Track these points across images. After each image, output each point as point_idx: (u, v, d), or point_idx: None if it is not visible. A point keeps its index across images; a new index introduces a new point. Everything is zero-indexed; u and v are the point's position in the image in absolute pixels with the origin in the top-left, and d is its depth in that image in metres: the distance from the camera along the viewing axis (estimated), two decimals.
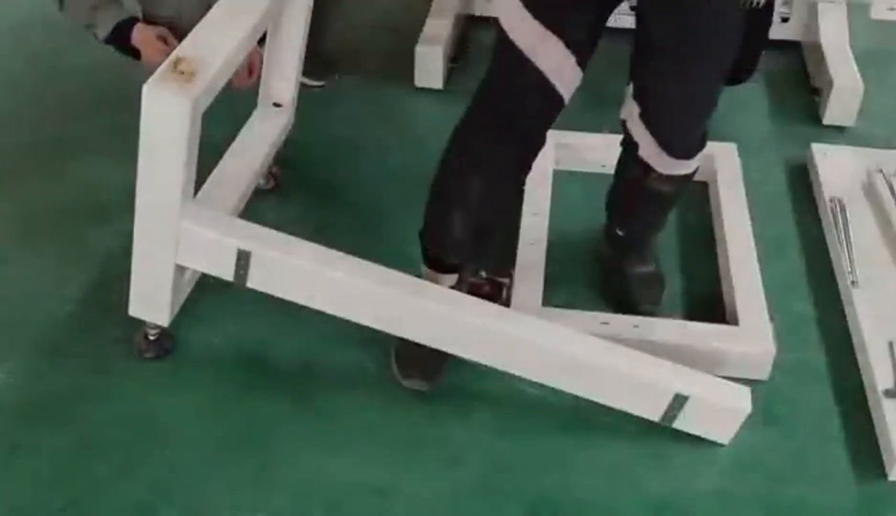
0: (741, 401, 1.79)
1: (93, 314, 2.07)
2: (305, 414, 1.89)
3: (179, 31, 2.25)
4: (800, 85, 2.87)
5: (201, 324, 2.03)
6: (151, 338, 1.96)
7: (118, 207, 2.31)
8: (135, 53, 2.34)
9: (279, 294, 1.84)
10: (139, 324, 1.94)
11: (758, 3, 2.53)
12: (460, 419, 1.89)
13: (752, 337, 1.95)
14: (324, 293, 1.82)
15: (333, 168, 2.52)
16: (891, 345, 2.00)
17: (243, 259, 1.79)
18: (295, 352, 2.01)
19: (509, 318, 1.84)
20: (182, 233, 1.77)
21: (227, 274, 1.82)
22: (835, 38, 2.82)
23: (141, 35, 2.31)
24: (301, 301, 1.84)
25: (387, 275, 1.81)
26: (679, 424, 1.82)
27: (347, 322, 1.85)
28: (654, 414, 1.82)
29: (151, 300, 1.88)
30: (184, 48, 1.72)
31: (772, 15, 2.63)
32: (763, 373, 1.94)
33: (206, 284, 1.99)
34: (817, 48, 2.84)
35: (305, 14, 2.21)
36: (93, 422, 1.85)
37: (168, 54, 1.73)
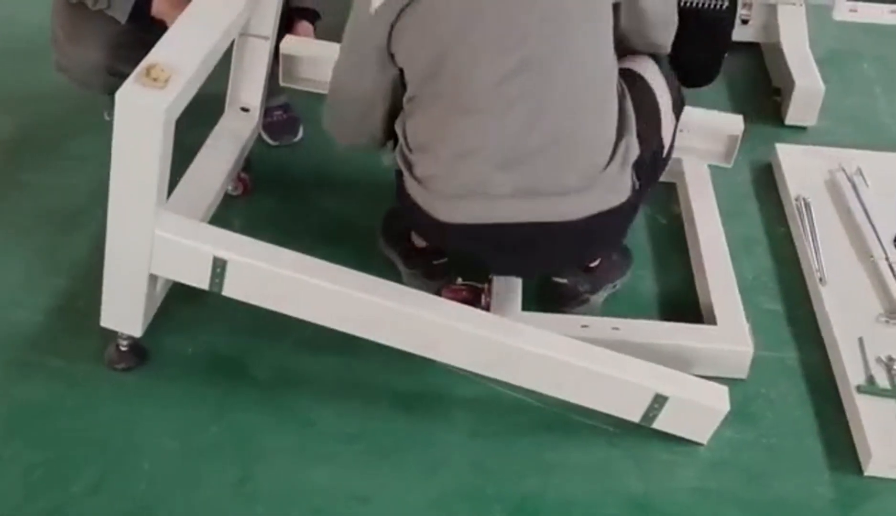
0: (720, 401, 1.81)
1: (63, 324, 2.02)
2: (284, 422, 1.87)
3: None
4: (760, 86, 2.91)
5: (173, 333, 2.00)
6: (123, 349, 1.93)
7: (86, 215, 2.31)
8: (158, 25, 2.26)
9: (255, 301, 1.82)
10: (111, 334, 1.90)
11: (721, 5, 2.58)
12: (441, 423, 1.88)
13: (730, 336, 1.97)
14: (301, 300, 1.80)
15: (303, 172, 2.49)
16: (860, 340, 2.03)
17: (219, 267, 1.77)
18: (271, 359, 1.98)
19: (489, 323, 1.83)
20: (156, 241, 1.74)
21: (203, 282, 1.80)
22: (794, 40, 2.86)
23: (165, 7, 2.25)
24: (278, 308, 1.82)
25: (365, 281, 1.80)
26: (659, 424, 1.83)
27: (324, 328, 1.83)
28: (635, 415, 1.83)
29: (124, 310, 1.85)
30: (156, 54, 1.69)
31: (734, 19, 2.68)
32: (741, 371, 1.96)
33: (176, 292, 1.96)
34: (777, 49, 2.88)
35: (274, 17, 2.19)
36: (66, 436, 1.81)
37: None
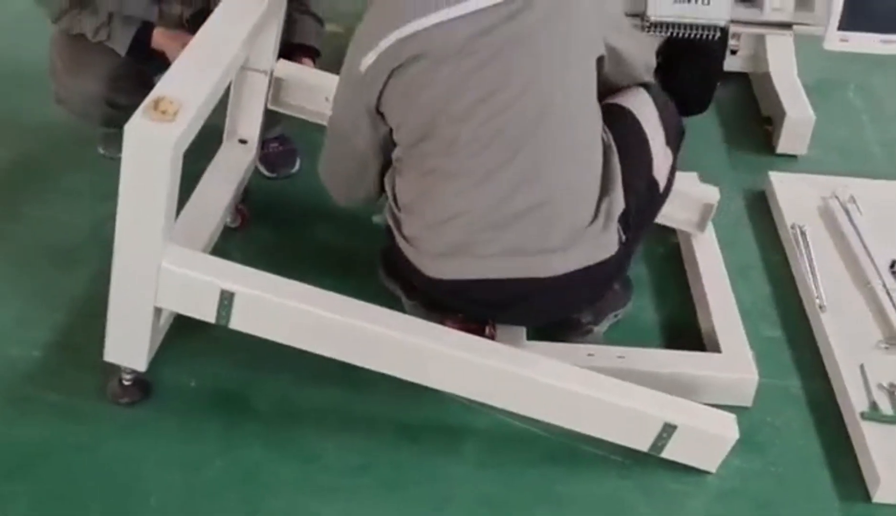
0: (728, 430, 1.81)
1: (62, 360, 2.00)
2: (289, 456, 1.84)
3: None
4: (751, 115, 2.94)
5: (176, 367, 1.98)
6: (126, 383, 1.90)
7: (83, 250, 2.29)
8: (158, 57, 2.28)
9: (263, 334, 1.80)
10: (112, 368, 1.88)
11: (713, 36, 2.62)
12: (447, 455, 1.87)
13: (735, 364, 1.98)
14: (310, 332, 1.79)
15: (300, 204, 2.48)
16: (862, 367, 2.05)
17: (226, 299, 1.75)
18: (275, 392, 1.96)
19: (496, 352, 1.83)
20: (162, 274, 1.72)
21: (209, 315, 1.78)
22: (783, 70, 2.90)
23: (166, 39, 2.27)
24: (286, 341, 1.80)
25: (373, 312, 1.79)
26: (667, 454, 1.83)
27: (327, 360, 1.82)
28: (643, 444, 1.83)
29: (128, 344, 1.83)
30: (163, 87, 1.68)
31: (725, 49, 2.72)
32: (746, 399, 1.97)
33: (176, 325, 1.94)
34: (766, 79, 2.91)
35: (273, 52, 2.20)
36: (69, 472, 1.78)
37: None
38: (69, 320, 2.09)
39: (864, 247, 2.37)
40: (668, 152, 2.03)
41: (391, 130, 1.87)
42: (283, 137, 2.58)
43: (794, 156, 2.77)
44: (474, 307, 1.93)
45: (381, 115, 1.85)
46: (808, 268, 2.30)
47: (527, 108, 1.77)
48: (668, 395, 1.83)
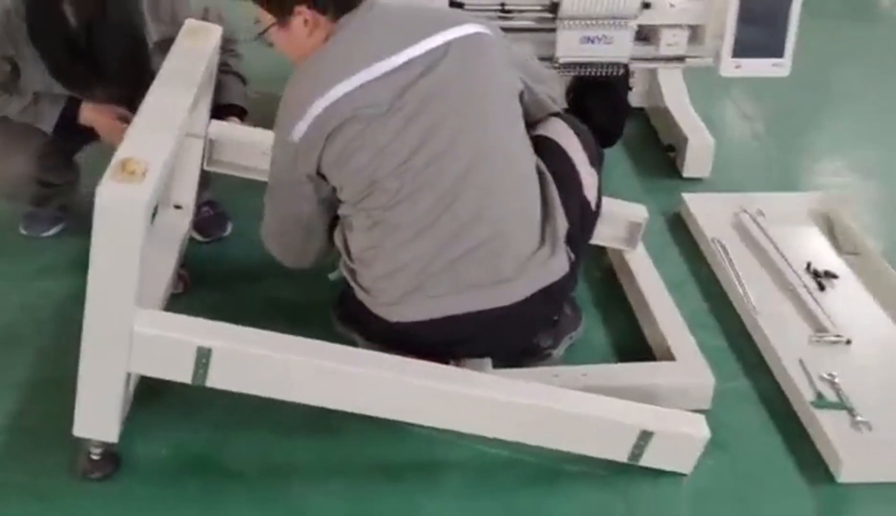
0: (699, 429, 1.90)
1: (22, 442, 1.92)
2: (275, 513, 1.82)
3: None
4: (653, 144, 3.11)
5: (143, 435, 1.92)
6: (95, 458, 1.84)
7: (18, 329, 2.21)
8: (86, 133, 2.26)
9: (241, 388, 1.79)
10: (77, 444, 1.81)
11: (617, 73, 2.78)
12: (433, 491, 1.88)
13: (692, 369, 2.08)
14: (291, 381, 1.78)
15: (239, 263, 2.47)
16: (801, 361, 2.18)
17: (203, 357, 1.73)
18: (250, 449, 1.94)
19: (475, 380, 1.87)
20: (135, 338, 1.69)
21: (185, 375, 1.75)
22: (678, 100, 3.09)
23: (94, 115, 2.25)
24: (265, 393, 1.79)
25: (355, 354, 1.81)
26: (645, 461, 1.89)
27: (298, 410, 1.83)
28: (622, 454, 1.89)
29: (99, 415, 1.78)
30: (125, 150, 1.67)
31: (627, 84, 2.89)
32: (705, 402, 2.06)
33: (139, 392, 1.90)
34: (664, 111, 3.10)
35: (207, 115, 2.21)
36: None
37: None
38: (20, 402, 2.02)
39: (780, 254, 2.54)
40: (593, 171, 2.13)
41: (334, 189, 1.90)
42: (213, 202, 2.57)
43: (699, 179, 2.94)
44: (437, 346, 1.96)
45: (323, 176, 1.88)
46: (736, 278, 2.45)
47: (459, 155, 1.84)
48: (638, 404, 1.91)
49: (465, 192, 1.84)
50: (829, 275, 2.48)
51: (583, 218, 2.03)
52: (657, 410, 1.91)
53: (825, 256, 2.57)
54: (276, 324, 1.88)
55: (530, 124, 2.07)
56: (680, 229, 2.71)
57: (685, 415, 1.93)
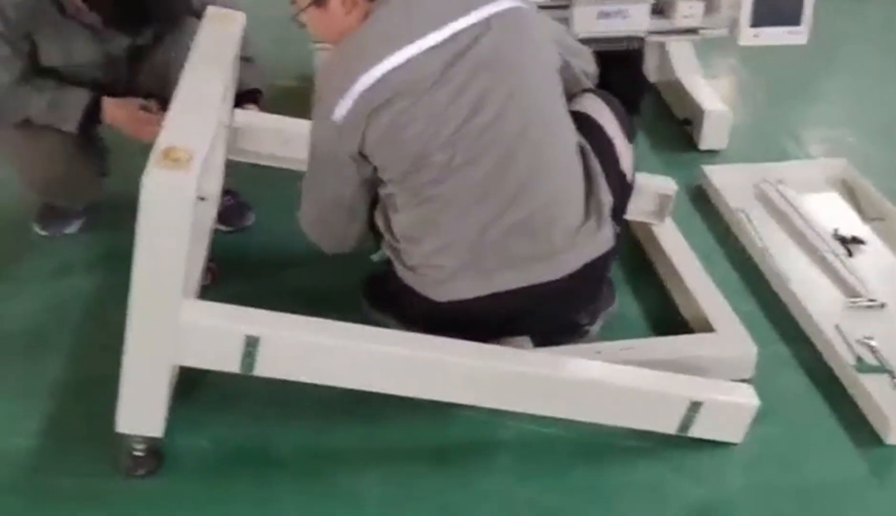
0: (749, 398, 1.89)
1: (62, 444, 1.89)
2: (330, 504, 1.79)
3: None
4: (667, 119, 3.10)
5: (185, 428, 1.89)
6: (139, 454, 1.80)
7: (48, 333, 2.18)
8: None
9: (288, 375, 1.76)
10: (118, 442, 1.78)
11: (634, 46, 2.75)
12: (486, 471, 1.86)
13: (733, 340, 2.07)
14: (338, 367, 1.75)
15: (264, 253, 2.44)
16: (837, 327, 2.18)
17: (251, 346, 1.70)
18: (294, 440, 1.91)
19: (523, 358, 1.85)
20: (182, 329, 1.66)
21: (233, 365, 1.72)
22: (690, 73, 3.08)
23: (118, 111, 2.21)
24: (313, 379, 1.77)
25: (399, 337, 1.78)
26: (695, 431, 1.88)
27: (341, 397, 1.81)
28: (671, 426, 1.88)
29: (143, 410, 1.75)
30: (166, 138, 1.63)
31: (643, 56, 2.87)
32: (747, 371, 2.05)
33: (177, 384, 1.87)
34: (676, 84, 3.08)
35: (232, 104, 2.18)
36: None
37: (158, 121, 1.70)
38: (56, 405, 1.98)
39: (806, 221, 2.53)
40: (629, 146, 2.12)
41: (375, 168, 1.87)
42: (232, 191, 2.54)
43: (716, 151, 2.93)
44: (483, 325, 1.93)
45: (364, 157, 1.85)
46: (764, 247, 2.44)
47: (510, 123, 1.82)
48: (686, 376, 1.90)
49: (516, 161, 1.82)
50: (857, 240, 2.48)
51: (623, 193, 2.02)
52: (705, 381, 1.90)
53: (850, 222, 2.57)
54: (306, 312, 1.86)
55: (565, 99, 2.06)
56: (702, 201, 2.70)
57: (733, 385, 1.92)
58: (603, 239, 1.91)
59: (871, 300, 2.26)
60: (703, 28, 2.82)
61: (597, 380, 1.83)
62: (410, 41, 1.76)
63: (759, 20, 2.62)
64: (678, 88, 3.07)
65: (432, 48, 1.77)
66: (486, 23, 1.80)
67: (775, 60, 3.34)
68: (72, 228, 2.51)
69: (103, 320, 2.19)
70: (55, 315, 2.22)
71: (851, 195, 2.70)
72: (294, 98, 3.03)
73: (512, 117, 1.82)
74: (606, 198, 1.92)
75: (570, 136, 1.94)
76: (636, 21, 2.69)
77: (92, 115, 2.19)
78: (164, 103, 2.30)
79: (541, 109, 1.87)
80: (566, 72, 2.01)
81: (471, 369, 1.78)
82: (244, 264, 2.40)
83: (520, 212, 1.84)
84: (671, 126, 3.06)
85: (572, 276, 1.87)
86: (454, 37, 1.78)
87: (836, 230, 2.51)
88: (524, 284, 1.85)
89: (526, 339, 2.02)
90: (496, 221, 1.83)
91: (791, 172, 2.76)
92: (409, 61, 1.75)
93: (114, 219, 2.42)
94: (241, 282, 2.32)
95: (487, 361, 1.79)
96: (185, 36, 2.10)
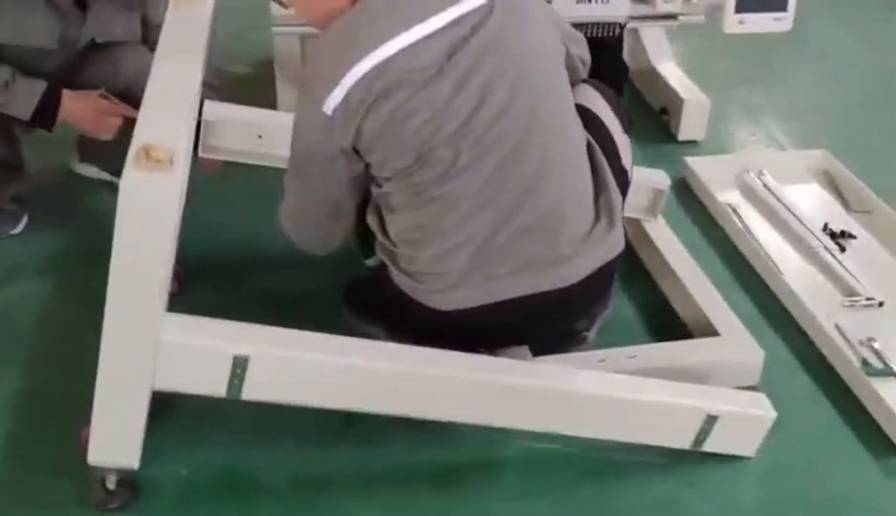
0: (766, 410, 1.79)
1: (23, 472, 1.71)
2: None
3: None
4: (642, 108, 2.99)
5: (159, 456, 1.71)
6: (111, 487, 1.63)
7: (5, 342, 1.99)
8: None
9: (278, 399, 1.61)
10: (87, 471, 1.60)
11: (614, 32, 2.65)
12: (491, 492, 1.74)
13: (740, 345, 1.98)
14: (344, 388, 1.60)
15: (233, 256, 2.26)
16: (837, 327, 2.10)
17: (239, 367, 1.54)
18: (282, 465, 1.76)
19: (531, 370, 1.73)
20: (162, 348, 1.49)
21: (219, 389, 1.56)
22: (665, 61, 2.98)
23: (77, 105, 2.03)
24: (307, 402, 1.62)
25: (399, 351, 1.64)
26: (709, 446, 1.78)
27: (328, 419, 1.69)
28: (686, 442, 1.77)
29: (118, 440, 1.57)
30: (143, 136, 1.45)
31: (622, 42, 2.76)
32: (753, 377, 1.96)
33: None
34: (648, 72, 2.98)
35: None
36: None
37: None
38: (11, 426, 1.79)
39: (795, 216, 2.46)
40: (626, 139, 2.01)
41: (368, 165, 1.72)
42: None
43: (695, 141, 2.84)
44: (483, 335, 1.80)
45: (358, 152, 1.70)
46: (756, 242, 2.35)
47: (519, 111, 1.68)
48: (699, 386, 1.80)
49: (525, 157, 1.69)
50: (847, 235, 2.42)
51: (624, 189, 1.90)
52: (719, 391, 1.80)
53: (837, 215, 2.51)
54: (282, 321, 1.71)
55: None
56: (686, 194, 2.61)
57: (748, 395, 1.83)
58: (615, 240, 1.79)
59: (870, 298, 2.19)
60: (682, 14, 2.71)
61: (609, 394, 1.71)
62: (409, 26, 1.61)
63: (743, 6, 2.52)
64: (652, 76, 2.97)
65: (435, 33, 1.62)
66: (489, 6, 1.66)
67: (738, 43, 3.26)
68: (19, 228, 2.30)
69: (59, 329, 2.00)
70: (4, 325, 2.03)
71: (833, 186, 2.63)
72: (250, 86, 2.87)
73: (521, 105, 1.68)
74: (616, 196, 1.80)
75: (578, 131, 1.82)
76: (616, 6, 2.58)
77: (47, 105, 1.99)
78: (117, 96, 2.13)
79: (549, 97, 1.73)
80: (568, 60, 1.88)
81: (484, 385, 1.65)
82: (213, 267, 2.22)
83: (529, 215, 1.70)
84: (645, 115, 2.95)
85: (583, 282, 1.75)
86: (457, 21, 1.63)
87: (825, 224, 2.44)
88: (534, 291, 1.72)
89: (524, 349, 1.89)
90: (506, 223, 1.69)
91: (771, 163, 2.67)
92: (409, 47, 1.60)
93: (57, 217, 2.33)
94: (209, 290, 2.15)
95: (505, 377, 1.67)
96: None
